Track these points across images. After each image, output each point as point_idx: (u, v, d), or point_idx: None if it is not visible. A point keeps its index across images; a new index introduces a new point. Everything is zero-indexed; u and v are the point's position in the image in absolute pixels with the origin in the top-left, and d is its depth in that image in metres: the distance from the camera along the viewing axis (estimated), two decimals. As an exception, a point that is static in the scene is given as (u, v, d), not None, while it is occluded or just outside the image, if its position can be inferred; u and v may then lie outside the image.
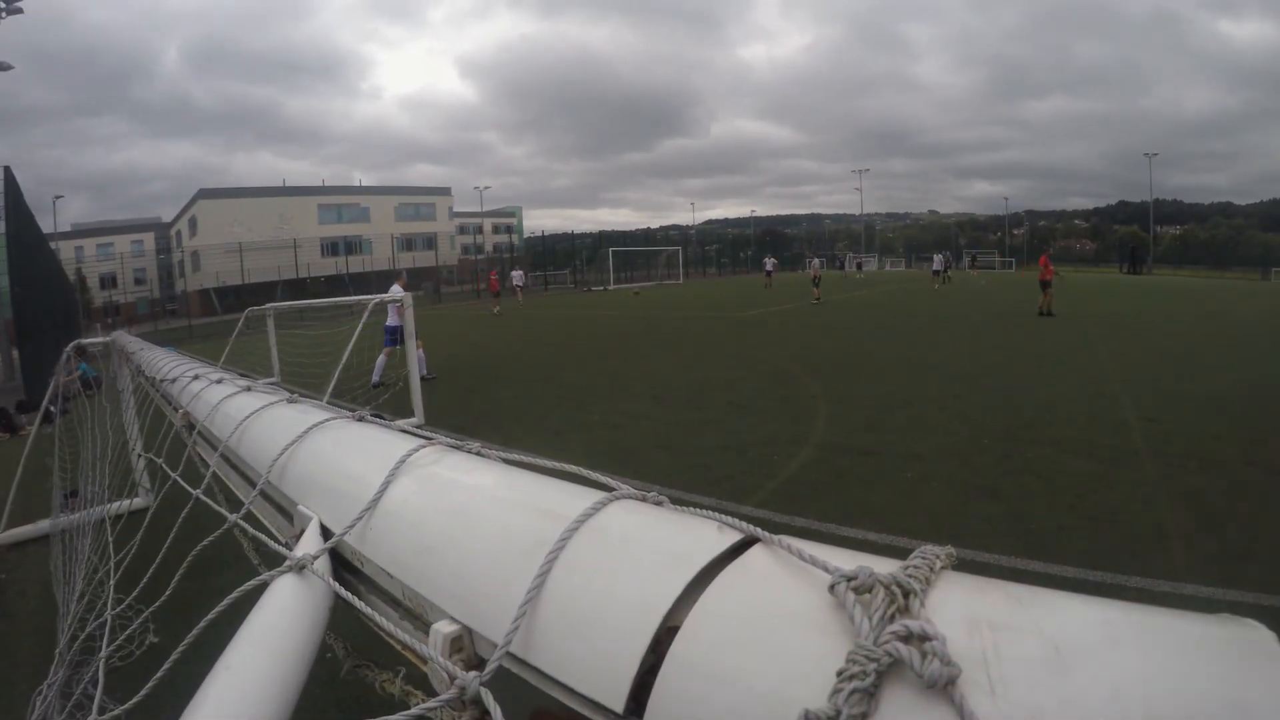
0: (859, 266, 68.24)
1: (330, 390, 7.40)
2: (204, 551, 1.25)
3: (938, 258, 43.53)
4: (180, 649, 0.94)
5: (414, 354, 8.74)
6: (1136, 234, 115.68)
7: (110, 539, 2.91)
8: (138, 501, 5.33)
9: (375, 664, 0.91)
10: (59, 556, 4.36)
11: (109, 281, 63.21)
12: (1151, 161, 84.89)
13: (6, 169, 12.34)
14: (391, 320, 11.75)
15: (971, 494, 5.57)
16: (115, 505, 4.14)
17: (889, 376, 10.68)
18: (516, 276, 38.46)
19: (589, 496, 0.65)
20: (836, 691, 0.36)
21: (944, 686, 0.35)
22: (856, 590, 0.42)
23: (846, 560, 0.46)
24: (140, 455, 4.93)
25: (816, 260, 35.02)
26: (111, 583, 2.36)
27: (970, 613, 0.40)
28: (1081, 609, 0.40)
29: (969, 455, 6.54)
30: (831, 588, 0.43)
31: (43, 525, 5.66)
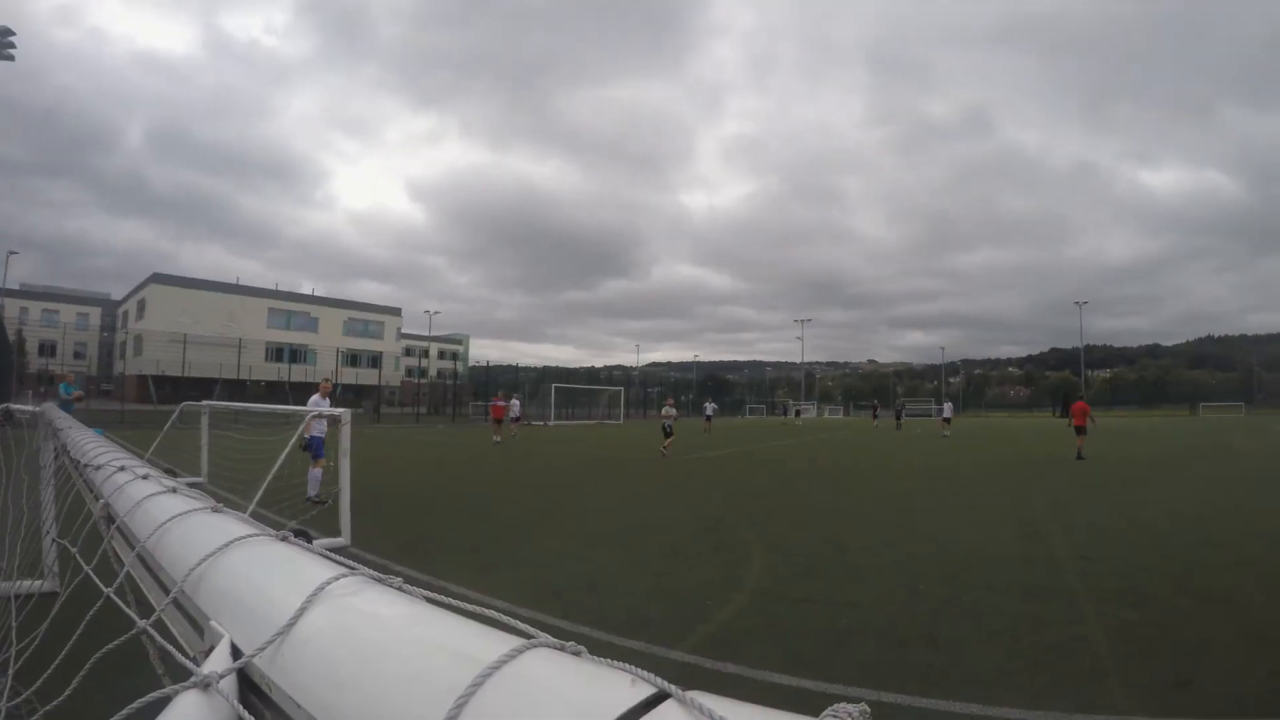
0: (798, 414, 69.83)
1: (257, 499, 7.22)
2: (110, 651, 1.18)
3: (946, 405, 43.59)
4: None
5: (346, 471, 8.55)
6: (1068, 379, 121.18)
7: (14, 624, 2.74)
8: (45, 585, 5.02)
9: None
10: None
11: (48, 349, 61.76)
12: (1081, 309, 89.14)
13: None
14: (314, 430, 11.32)
15: (908, 641, 5.50)
16: (22, 585, 3.90)
17: (824, 523, 10.70)
18: (514, 406, 33.58)
19: (507, 643, 0.63)
20: None
21: None
22: None
23: (757, 718, 0.45)
24: (51, 538, 4.69)
25: (669, 406, 25.33)
26: (10, 673, 2.21)
27: None
28: None
29: (905, 601, 6.51)
30: None
31: None
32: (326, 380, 12.66)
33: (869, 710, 0.45)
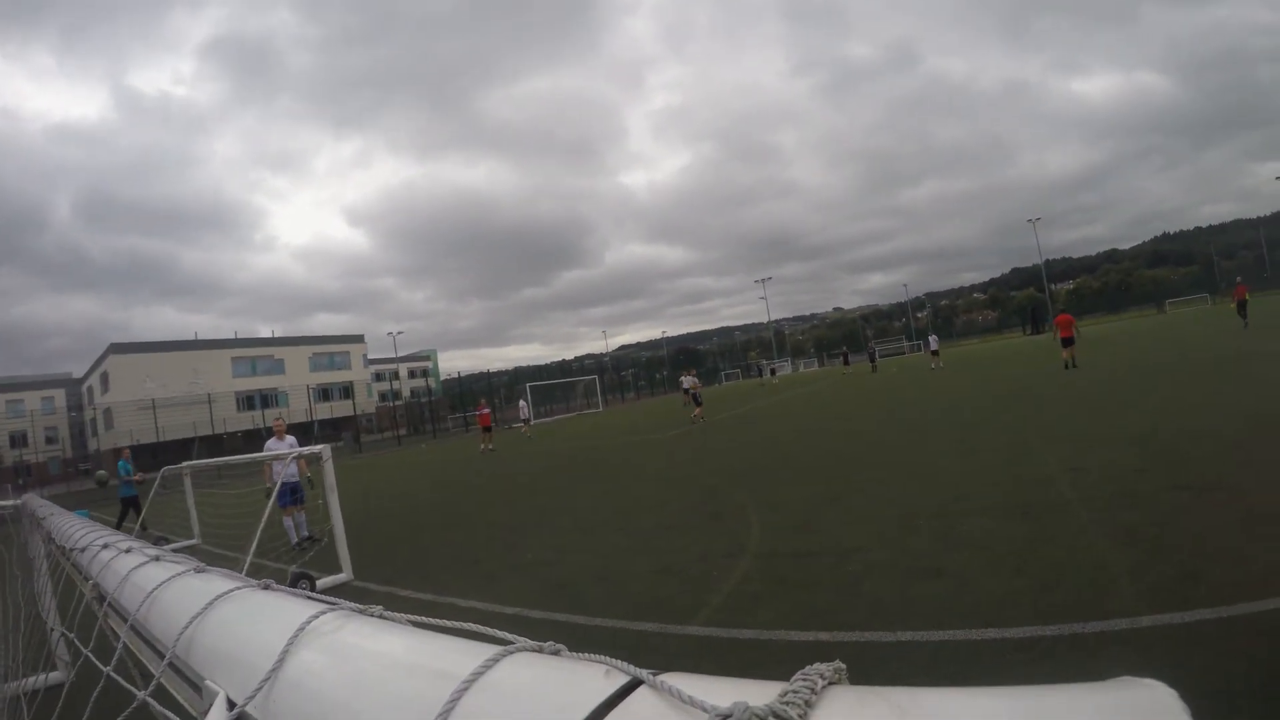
0: (773, 373, 69.96)
1: (252, 551, 7.15)
2: None
3: (933, 338, 43.33)
4: None
5: (335, 507, 8.46)
6: (1033, 296, 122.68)
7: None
8: (55, 676, 4.99)
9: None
10: None
11: (19, 440, 60.79)
12: (1035, 225, 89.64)
13: None
14: (283, 476, 9.91)
15: (914, 576, 5.57)
16: (30, 680, 3.89)
17: (814, 476, 10.78)
18: (523, 408, 36.81)
19: (484, 653, 0.64)
20: None
21: None
22: None
23: (729, 692, 0.46)
24: (54, 629, 4.65)
25: (690, 377, 29.79)
26: None
27: None
28: (967, 704, 0.39)
29: (905, 539, 6.59)
30: None
31: None
32: (279, 420, 12.02)
33: (844, 667, 0.46)
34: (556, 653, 0.64)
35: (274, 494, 8.45)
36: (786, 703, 0.41)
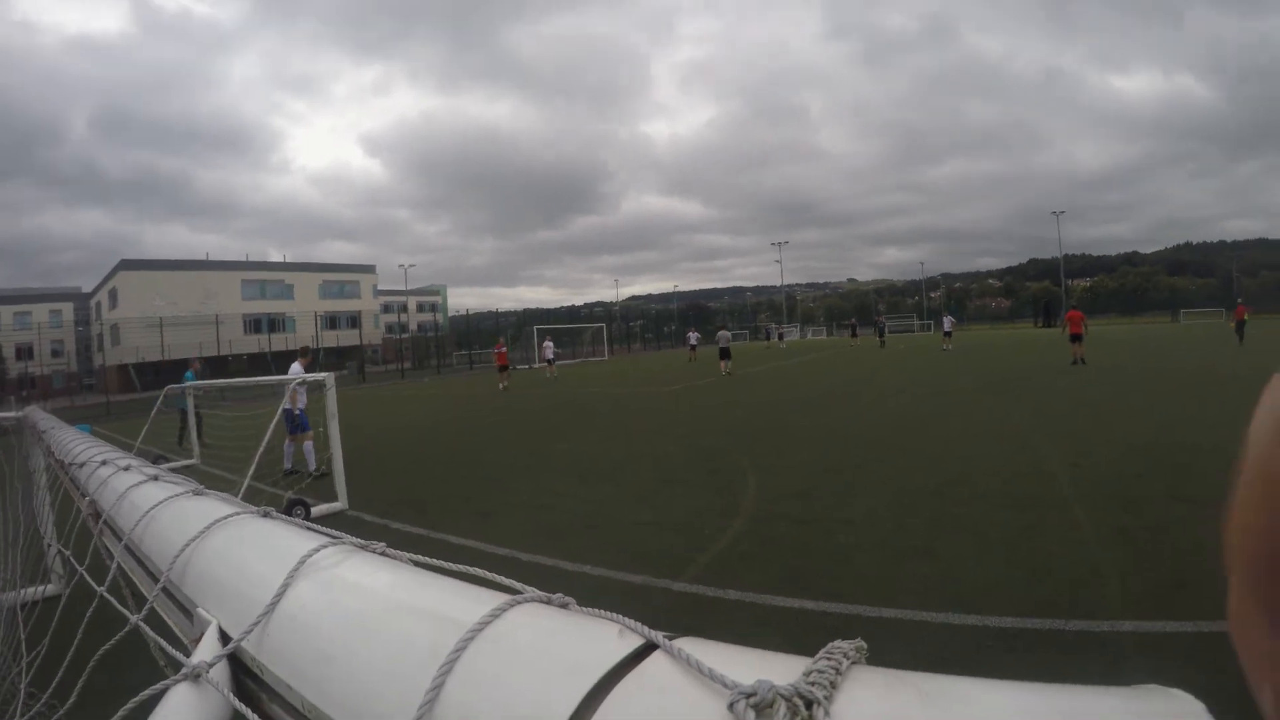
0: (780, 337, 69.52)
1: (250, 474, 7.21)
2: (117, 646, 1.18)
3: (947, 320, 41.83)
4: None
5: (335, 435, 8.50)
6: (1049, 289, 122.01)
7: (23, 636, 2.75)
8: (51, 588, 5.06)
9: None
10: None
11: (25, 352, 61.14)
12: (1058, 219, 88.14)
13: None
14: (289, 403, 10.45)
15: (904, 555, 5.60)
16: (27, 592, 3.95)
17: (815, 445, 10.79)
18: (548, 349, 36.39)
19: (491, 601, 0.62)
20: None
21: None
22: (757, 708, 0.39)
23: (749, 666, 0.44)
24: (50, 545, 4.69)
25: (724, 331, 31.80)
26: (23, 684, 2.23)
27: (879, 715, 0.38)
28: (996, 698, 0.38)
29: (899, 518, 6.61)
30: (731, 706, 0.40)
31: None
32: (305, 348, 12.31)
33: (865, 646, 0.45)
34: (565, 605, 0.62)
35: (276, 419, 8.47)
36: (812, 683, 0.39)
